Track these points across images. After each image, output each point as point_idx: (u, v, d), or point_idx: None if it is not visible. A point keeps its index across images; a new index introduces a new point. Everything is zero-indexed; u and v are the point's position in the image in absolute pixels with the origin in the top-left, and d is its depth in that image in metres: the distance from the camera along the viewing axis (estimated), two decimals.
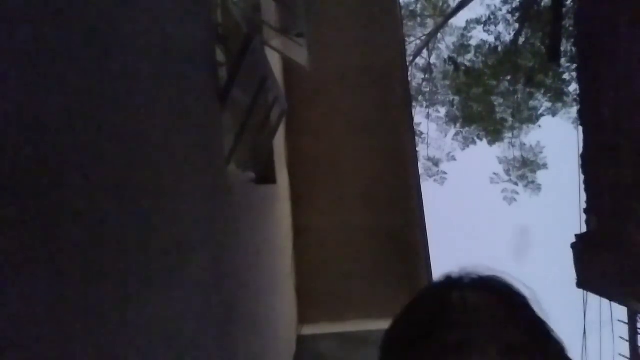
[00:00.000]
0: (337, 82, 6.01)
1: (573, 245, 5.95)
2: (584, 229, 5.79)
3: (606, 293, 5.72)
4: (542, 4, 10.47)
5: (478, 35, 12.18)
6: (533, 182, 12.12)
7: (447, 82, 12.40)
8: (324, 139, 5.99)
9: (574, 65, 8.86)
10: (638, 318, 6.13)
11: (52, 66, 0.91)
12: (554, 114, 11.92)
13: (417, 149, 9.00)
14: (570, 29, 8.62)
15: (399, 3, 7.24)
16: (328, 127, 6.00)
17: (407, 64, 8.56)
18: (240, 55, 2.41)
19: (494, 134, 12.14)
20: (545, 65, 10.35)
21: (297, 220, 5.86)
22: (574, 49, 8.74)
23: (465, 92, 11.87)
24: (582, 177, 5.76)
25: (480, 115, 11.95)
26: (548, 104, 11.79)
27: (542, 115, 11.91)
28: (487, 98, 11.73)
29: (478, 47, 11.69)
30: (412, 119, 6.68)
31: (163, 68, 1.57)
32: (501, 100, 11.92)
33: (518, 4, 11.10)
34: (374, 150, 5.97)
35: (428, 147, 12.76)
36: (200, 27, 2.13)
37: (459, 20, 15.60)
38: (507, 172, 12.32)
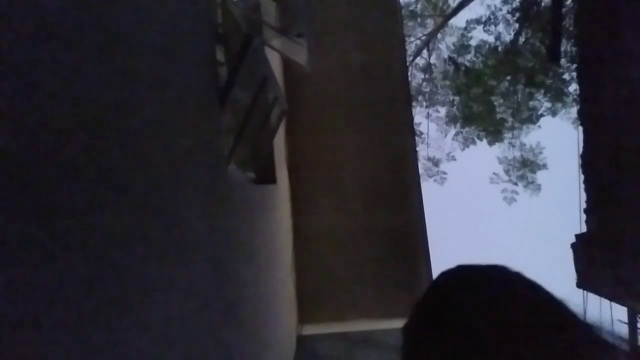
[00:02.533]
0: (337, 82, 6.01)
1: (573, 245, 5.96)
2: (584, 229, 5.79)
3: (606, 293, 5.72)
4: (542, 4, 10.47)
5: (478, 35, 12.25)
6: (533, 182, 12.13)
7: (447, 82, 12.41)
8: (324, 139, 5.98)
9: (574, 65, 8.86)
10: (638, 318, 6.13)
11: (52, 66, 0.91)
12: (554, 114, 11.93)
13: (417, 149, 8.99)
14: (570, 29, 8.62)
15: (399, 3, 7.24)
16: (328, 127, 6.00)
17: (407, 64, 8.55)
18: (240, 55, 2.41)
19: (494, 134, 12.15)
20: (545, 65, 10.36)
21: (297, 220, 5.85)
22: (574, 49, 8.74)
23: (465, 92, 11.88)
24: (582, 177, 5.76)
25: (480, 116, 11.96)
26: (548, 104, 11.80)
27: (542, 115, 11.92)
28: (487, 98, 11.74)
29: (478, 47, 11.70)
30: (412, 119, 6.67)
31: (163, 68, 1.57)
32: (501, 100, 11.93)
33: (518, 4, 11.10)
34: (374, 150, 5.97)
35: (428, 147, 12.78)
36: (200, 27, 2.13)
37: (459, 20, 15.62)
38: (507, 172, 12.33)
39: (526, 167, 12.17)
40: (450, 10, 12.12)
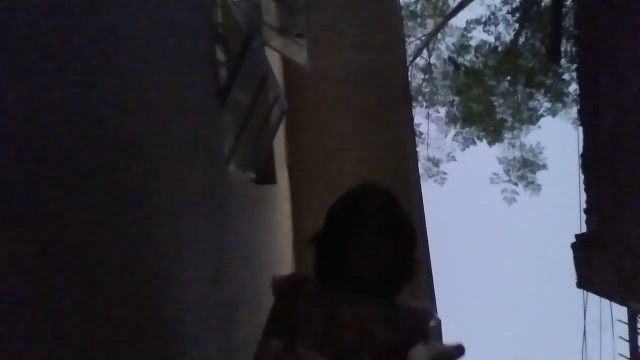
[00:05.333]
0: (337, 82, 6.00)
1: (573, 245, 5.96)
2: (584, 229, 5.79)
3: (606, 293, 5.72)
4: (542, 4, 10.47)
5: (478, 35, 12.16)
6: (533, 182, 12.11)
7: (447, 82, 12.39)
8: (324, 139, 5.98)
9: (574, 65, 8.86)
10: (638, 318, 6.13)
11: (52, 66, 0.91)
12: (554, 114, 11.91)
13: (417, 149, 8.98)
14: (570, 29, 8.62)
15: (399, 3, 7.24)
16: (328, 127, 6.00)
17: (407, 64, 8.55)
18: (240, 55, 2.41)
19: (494, 134, 12.13)
20: (545, 65, 10.35)
21: (297, 220, 5.85)
22: (574, 49, 8.74)
23: (465, 92, 11.86)
24: (582, 177, 5.76)
25: (480, 116, 11.94)
26: (548, 104, 11.78)
27: (541, 115, 11.90)
28: (487, 98, 11.72)
29: (478, 47, 11.67)
30: (412, 119, 6.67)
31: (163, 68, 1.57)
32: (501, 101, 11.91)
33: (518, 4, 11.09)
34: (374, 150, 5.97)
35: (428, 147, 12.75)
36: (200, 27, 2.13)
37: (459, 20, 15.54)
38: (507, 172, 12.32)
39: (526, 167, 12.15)
40: (450, 10, 12.10)
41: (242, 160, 3.19)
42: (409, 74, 9.72)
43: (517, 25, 11.07)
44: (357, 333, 1.13)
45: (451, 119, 12.46)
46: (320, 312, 1.17)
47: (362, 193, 1.31)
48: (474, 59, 11.78)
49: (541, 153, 12.15)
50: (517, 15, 11.03)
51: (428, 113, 12.75)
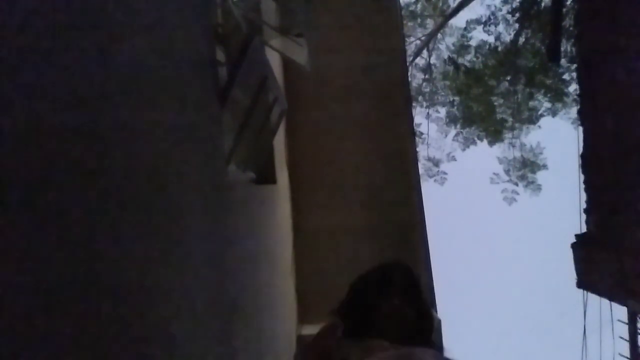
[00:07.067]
0: (337, 82, 6.01)
1: (573, 245, 5.96)
2: (584, 229, 5.79)
3: (606, 293, 5.72)
4: (542, 4, 10.48)
5: (478, 35, 12.20)
6: (533, 182, 12.13)
7: (447, 83, 12.41)
8: (324, 139, 5.99)
9: (574, 65, 8.87)
10: (638, 318, 6.13)
11: (51, 66, 0.91)
12: (554, 114, 11.93)
13: (417, 149, 8.98)
14: (570, 29, 8.63)
15: (399, 3, 7.24)
16: (328, 127, 6.00)
17: (407, 64, 8.55)
18: (240, 55, 2.41)
19: (494, 135, 12.15)
20: (545, 65, 10.36)
21: (297, 220, 5.86)
22: (574, 49, 8.75)
23: (465, 92, 11.87)
24: (582, 177, 5.76)
25: (480, 116, 11.96)
26: (548, 104, 11.80)
27: (542, 115, 11.93)
28: (487, 98, 11.74)
29: (478, 47, 11.69)
30: (412, 119, 6.67)
31: (163, 68, 1.57)
32: (501, 101, 11.93)
33: (518, 4, 11.10)
34: (374, 151, 5.97)
35: (428, 147, 12.76)
36: (200, 27, 2.13)
37: (459, 20, 15.57)
38: (507, 172, 12.34)
39: (526, 167, 12.17)
40: (450, 10, 12.11)
41: (242, 160, 3.20)
42: (409, 74, 9.73)
43: (517, 25, 11.08)
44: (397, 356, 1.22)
45: (451, 119, 12.48)
46: (357, 346, 1.31)
47: (387, 268, 1.51)
48: (474, 59, 11.81)
49: (541, 153, 12.17)
50: (517, 15, 11.05)
51: (428, 113, 12.77)
